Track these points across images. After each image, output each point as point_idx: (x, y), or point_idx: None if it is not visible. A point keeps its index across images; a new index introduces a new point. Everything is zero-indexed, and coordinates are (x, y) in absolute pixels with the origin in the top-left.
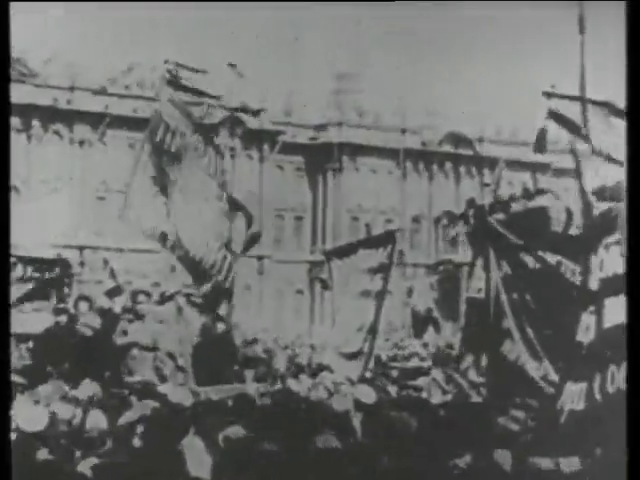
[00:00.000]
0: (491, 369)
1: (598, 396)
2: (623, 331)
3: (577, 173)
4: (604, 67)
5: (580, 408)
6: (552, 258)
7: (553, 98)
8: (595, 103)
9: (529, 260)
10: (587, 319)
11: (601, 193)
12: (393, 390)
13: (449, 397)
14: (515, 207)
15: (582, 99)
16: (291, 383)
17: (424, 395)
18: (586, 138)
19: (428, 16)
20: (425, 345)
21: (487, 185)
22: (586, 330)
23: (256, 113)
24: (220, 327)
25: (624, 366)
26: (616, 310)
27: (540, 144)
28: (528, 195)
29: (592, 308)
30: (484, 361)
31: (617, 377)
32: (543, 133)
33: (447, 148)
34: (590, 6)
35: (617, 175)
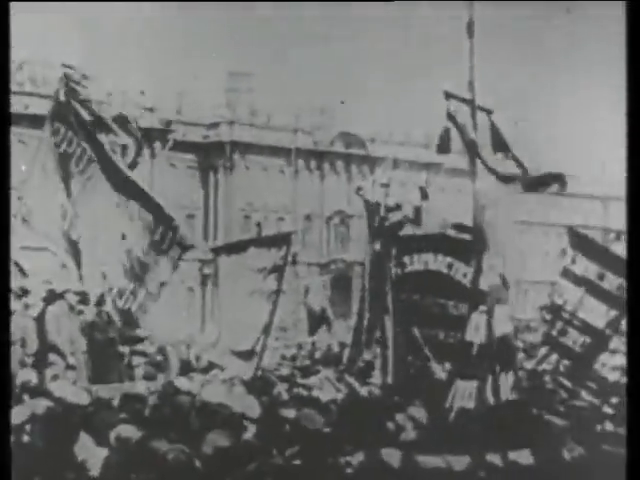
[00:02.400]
0: (384, 368)
1: (491, 398)
2: (512, 340)
3: (471, 175)
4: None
5: (470, 407)
6: (443, 260)
7: (450, 99)
8: (481, 108)
9: (421, 261)
10: (477, 318)
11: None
12: (284, 388)
13: (340, 395)
14: (406, 209)
15: (472, 102)
16: (182, 381)
17: (315, 394)
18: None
19: (322, 16)
20: (317, 344)
21: (385, 185)
22: (476, 330)
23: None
24: (115, 325)
25: (511, 375)
26: (504, 319)
27: (444, 144)
28: (424, 195)
29: (483, 308)
30: (378, 360)
31: (506, 384)
32: (446, 133)
33: (339, 148)
34: (481, 9)
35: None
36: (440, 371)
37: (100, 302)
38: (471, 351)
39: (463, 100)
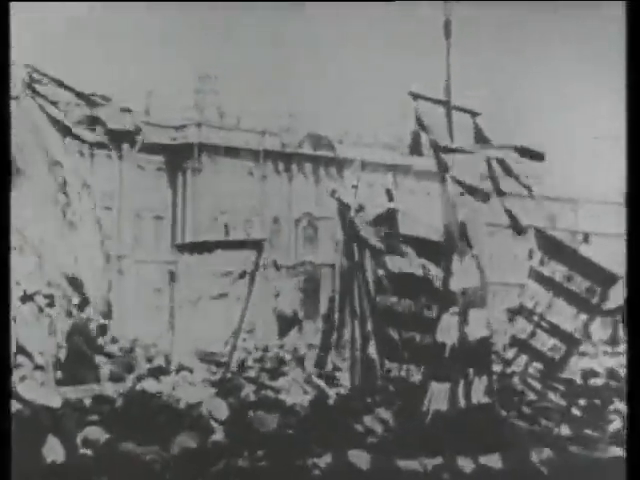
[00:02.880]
0: (353, 370)
1: (463, 401)
2: (489, 344)
3: (441, 177)
4: (471, 72)
5: (444, 409)
6: (417, 261)
7: (419, 100)
8: (458, 108)
9: (394, 263)
10: (448, 319)
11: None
12: (252, 390)
13: (309, 397)
14: (376, 210)
15: (447, 103)
16: (150, 383)
17: (283, 396)
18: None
19: (291, 17)
20: (285, 346)
21: (355, 187)
22: (448, 331)
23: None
24: (83, 326)
25: (484, 379)
26: (481, 323)
27: (415, 146)
28: (390, 197)
29: (454, 310)
30: (347, 362)
31: (479, 388)
32: (417, 136)
33: (307, 150)
34: (458, 10)
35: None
36: (415, 373)
37: (74, 305)
38: (443, 353)
39: (438, 102)
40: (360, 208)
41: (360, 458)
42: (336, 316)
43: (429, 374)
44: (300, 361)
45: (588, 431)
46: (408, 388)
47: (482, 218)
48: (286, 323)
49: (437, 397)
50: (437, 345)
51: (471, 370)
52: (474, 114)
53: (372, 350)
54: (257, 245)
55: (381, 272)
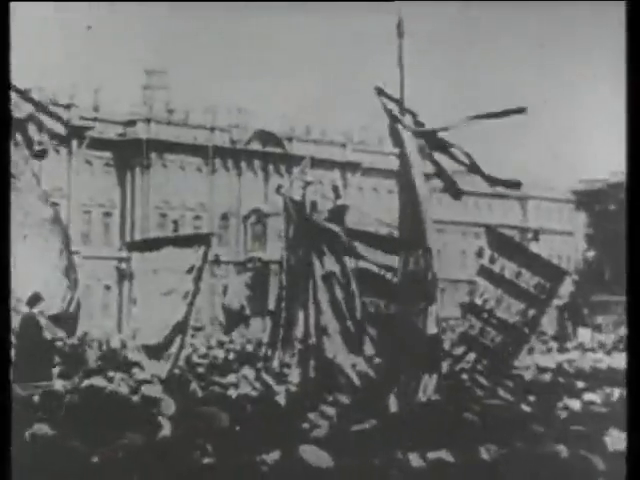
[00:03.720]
0: (302, 365)
1: (416, 398)
2: (439, 342)
3: (405, 173)
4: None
5: (404, 404)
6: (373, 257)
7: (382, 96)
8: (407, 111)
9: (350, 259)
10: (408, 315)
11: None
12: (200, 386)
13: (257, 394)
14: (324, 206)
15: (400, 102)
16: (99, 380)
17: (232, 392)
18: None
19: (243, 16)
20: (234, 342)
21: (309, 184)
22: (407, 326)
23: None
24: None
25: (435, 377)
26: (432, 320)
27: (396, 139)
28: (337, 194)
29: (411, 305)
30: (295, 358)
31: (430, 385)
32: (394, 129)
33: (256, 146)
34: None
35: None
36: (378, 368)
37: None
38: (404, 348)
39: (396, 100)
40: (311, 205)
41: (310, 454)
42: (284, 312)
43: (393, 369)
44: (248, 357)
45: (537, 427)
46: (371, 383)
47: (432, 215)
48: (233, 319)
49: (399, 392)
50: (399, 339)
51: (422, 367)
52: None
53: (326, 346)
54: (204, 240)
55: (335, 268)
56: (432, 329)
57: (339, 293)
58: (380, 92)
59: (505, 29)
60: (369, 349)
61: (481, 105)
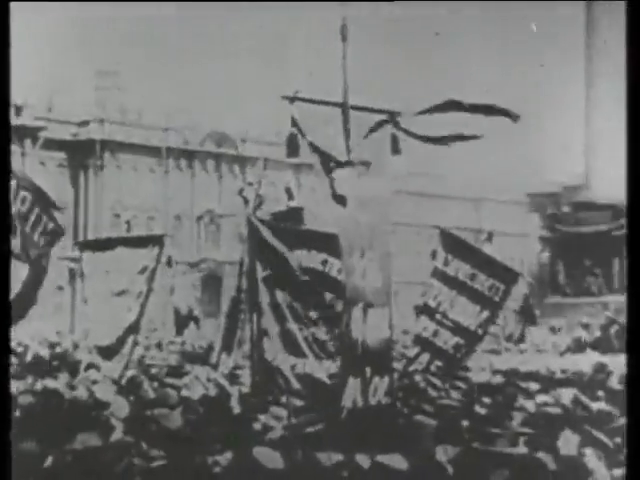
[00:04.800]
0: (252, 368)
1: (373, 400)
2: (390, 344)
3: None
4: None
5: (354, 406)
6: (317, 256)
7: (298, 102)
8: (356, 108)
9: (293, 259)
10: (357, 314)
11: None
12: (153, 387)
13: (211, 395)
14: (278, 207)
15: (343, 105)
16: (51, 381)
17: (184, 393)
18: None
19: (196, 16)
20: (186, 343)
21: (251, 184)
22: (358, 327)
23: None
24: None
25: (387, 379)
26: (383, 323)
27: (291, 148)
28: (290, 195)
29: (360, 306)
30: (245, 360)
31: (381, 388)
32: (293, 138)
33: (210, 147)
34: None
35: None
36: (320, 370)
37: None
38: (356, 349)
39: (325, 103)
40: (259, 205)
41: (262, 455)
42: (237, 313)
43: (343, 370)
44: (201, 358)
45: (491, 428)
46: (318, 384)
47: (385, 215)
48: (185, 320)
49: (349, 394)
50: (349, 341)
51: (372, 368)
52: (392, 114)
53: (267, 347)
54: (158, 240)
55: (283, 267)
56: (383, 331)
57: (280, 294)
58: (292, 100)
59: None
60: (316, 351)
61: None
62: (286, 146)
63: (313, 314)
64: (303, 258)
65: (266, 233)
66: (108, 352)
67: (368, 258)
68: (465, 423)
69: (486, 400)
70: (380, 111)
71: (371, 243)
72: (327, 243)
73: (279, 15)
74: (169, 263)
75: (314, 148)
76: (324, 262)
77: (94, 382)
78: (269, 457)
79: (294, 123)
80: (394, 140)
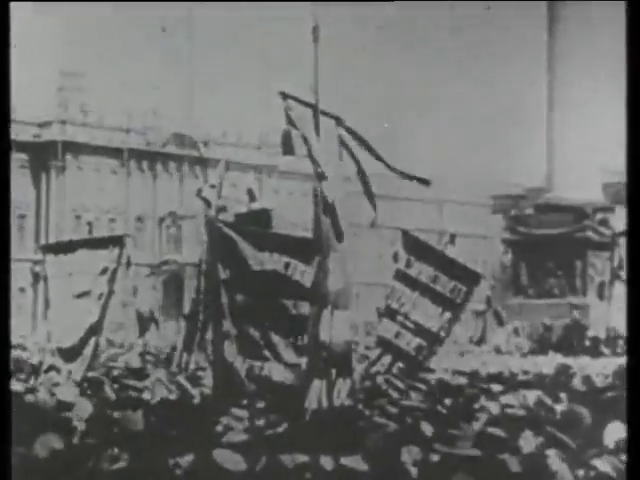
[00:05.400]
0: (215, 370)
1: (337, 402)
2: (351, 347)
3: (318, 176)
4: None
5: (319, 408)
6: (280, 259)
7: (288, 100)
8: (325, 114)
9: (255, 261)
10: (325, 317)
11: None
12: (115, 389)
13: (172, 396)
14: (239, 209)
15: (315, 106)
16: (13, 383)
17: (146, 395)
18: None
19: (160, 17)
20: (149, 345)
21: (213, 186)
22: (325, 329)
23: None
24: None
25: (349, 381)
26: (345, 325)
27: (287, 146)
28: (252, 197)
29: (328, 309)
30: (206, 362)
31: (344, 389)
32: (287, 135)
33: (172, 149)
34: (321, 11)
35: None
36: (282, 372)
37: None
38: (321, 351)
39: (306, 104)
40: (222, 207)
41: (224, 457)
42: (199, 315)
43: (308, 372)
44: (163, 360)
45: (453, 430)
46: (280, 387)
47: (348, 218)
48: (147, 322)
49: (313, 396)
50: (315, 343)
51: (335, 371)
52: (339, 120)
53: (228, 349)
54: (118, 241)
55: (244, 269)
56: (345, 333)
57: (240, 296)
58: (286, 96)
59: (435, 30)
60: (278, 353)
61: (400, 106)
62: (281, 144)
63: (274, 316)
64: (266, 261)
65: (227, 235)
66: (70, 354)
67: (332, 260)
68: (427, 425)
69: (448, 401)
70: (328, 114)
71: (335, 245)
72: (291, 246)
73: (246, 15)
74: (128, 263)
75: (308, 144)
76: (287, 265)
77: (55, 384)
78: (230, 459)
79: (289, 119)
80: (342, 143)
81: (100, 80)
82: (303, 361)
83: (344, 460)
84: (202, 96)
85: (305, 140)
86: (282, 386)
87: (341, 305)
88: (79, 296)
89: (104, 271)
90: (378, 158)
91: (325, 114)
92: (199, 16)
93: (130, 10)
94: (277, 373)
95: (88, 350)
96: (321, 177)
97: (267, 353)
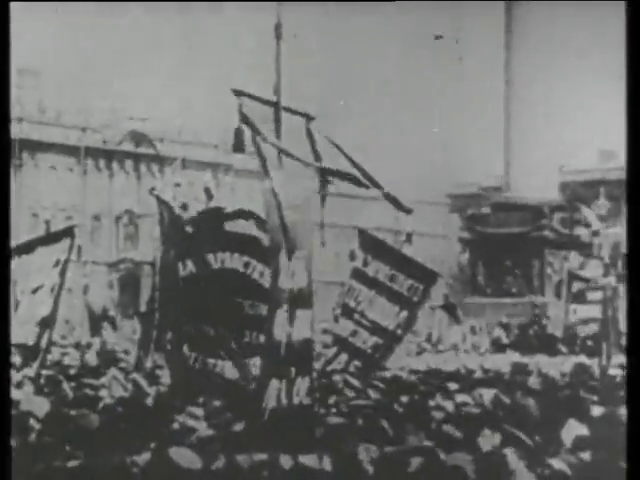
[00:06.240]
0: (171, 368)
1: (296, 400)
2: (311, 346)
3: (266, 174)
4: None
5: (276, 407)
6: (239, 259)
7: (243, 98)
8: (290, 111)
9: (214, 260)
10: (282, 316)
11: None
12: (70, 387)
13: (128, 394)
14: (196, 207)
15: (276, 104)
16: None
17: (103, 393)
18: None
19: (116, 14)
20: (105, 343)
21: (178, 185)
22: (281, 329)
23: None
24: None
25: (307, 380)
26: (306, 324)
27: (238, 143)
28: (209, 195)
29: (285, 308)
30: (164, 360)
31: (303, 388)
32: (240, 133)
33: (128, 147)
34: (288, 12)
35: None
36: (236, 371)
37: None
38: (279, 350)
39: (266, 102)
40: (184, 206)
41: (180, 455)
42: (156, 314)
43: (265, 371)
44: (120, 358)
45: (410, 428)
46: (237, 385)
47: (310, 216)
48: (103, 320)
49: (271, 395)
50: (271, 342)
51: (294, 369)
52: (309, 118)
53: (186, 347)
54: (69, 232)
55: (202, 268)
56: (305, 332)
57: (199, 295)
58: (239, 94)
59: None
60: (236, 352)
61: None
62: (233, 141)
63: (232, 316)
64: (225, 260)
65: (186, 233)
66: (25, 350)
67: (295, 259)
68: (384, 423)
69: (404, 400)
70: (296, 112)
71: (298, 244)
72: (249, 245)
73: (204, 12)
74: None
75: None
76: (246, 264)
77: (12, 383)
78: (186, 457)
79: (242, 116)
80: (312, 142)
81: (57, 78)
82: (257, 361)
83: (302, 459)
84: (159, 94)
85: (254, 138)
86: (238, 385)
87: (303, 304)
88: (34, 291)
89: (57, 263)
90: (351, 161)
91: (293, 112)
92: (159, 12)
93: (90, 7)
94: (232, 372)
95: (42, 344)
96: (267, 175)
97: (223, 352)
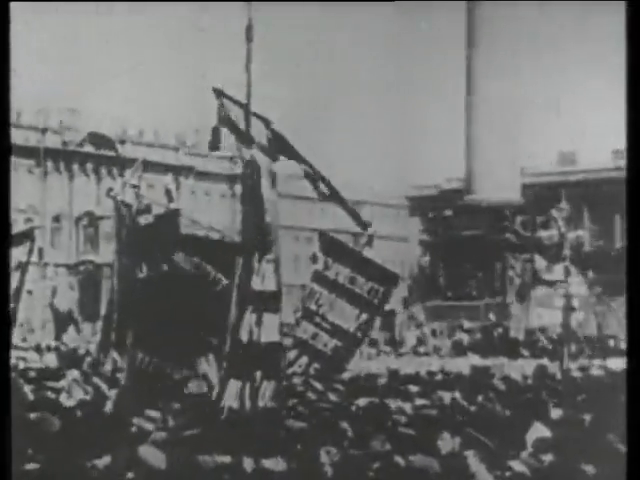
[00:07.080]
0: (129, 371)
1: (261, 403)
2: (280, 348)
3: (250, 179)
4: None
5: (237, 408)
6: (200, 261)
7: (222, 98)
8: (256, 115)
9: (166, 263)
10: (249, 318)
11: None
12: (30, 391)
13: (88, 398)
14: (156, 210)
15: (246, 106)
16: None
17: (63, 397)
18: (250, 145)
19: (81, 12)
20: (65, 345)
21: (135, 187)
22: (245, 330)
23: None
24: None
25: (273, 384)
26: (274, 328)
27: (214, 142)
28: (170, 198)
29: (251, 310)
30: (122, 363)
31: (268, 391)
32: (217, 131)
33: (88, 148)
34: (260, 12)
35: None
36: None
37: None
38: (239, 351)
39: (238, 103)
40: (140, 208)
41: (150, 455)
42: (115, 316)
43: (226, 374)
44: (80, 361)
45: (369, 430)
46: (197, 388)
47: (279, 219)
48: (64, 322)
49: (230, 395)
50: (234, 341)
51: (260, 373)
52: (268, 122)
53: (144, 350)
54: (28, 234)
55: (161, 271)
56: (273, 337)
57: (158, 297)
58: (220, 94)
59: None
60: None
61: (323, 103)
62: (210, 139)
63: (192, 318)
64: (184, 262)
65: (146, 235)
66: None
67: (266, 262)
68: (344, 425)
69: (364, 402)
70: (256, 116)
71: (268, 247)
72: (211, 248)
73: (176, 11)
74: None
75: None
76: (206, 267)
77: None
78: (152, 457)
79: (220, 116)
80: (270, 144)
81: (16, 78)
82: (216, 363)
83: (264, 462)
84: (120, 95)
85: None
86: (197, 386)
87: (271, 308)
88: None
89: (17, 266)
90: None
91: (255, 115)
92: (121, 12)
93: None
94: (189, 373)
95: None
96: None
97: (182, 354)
